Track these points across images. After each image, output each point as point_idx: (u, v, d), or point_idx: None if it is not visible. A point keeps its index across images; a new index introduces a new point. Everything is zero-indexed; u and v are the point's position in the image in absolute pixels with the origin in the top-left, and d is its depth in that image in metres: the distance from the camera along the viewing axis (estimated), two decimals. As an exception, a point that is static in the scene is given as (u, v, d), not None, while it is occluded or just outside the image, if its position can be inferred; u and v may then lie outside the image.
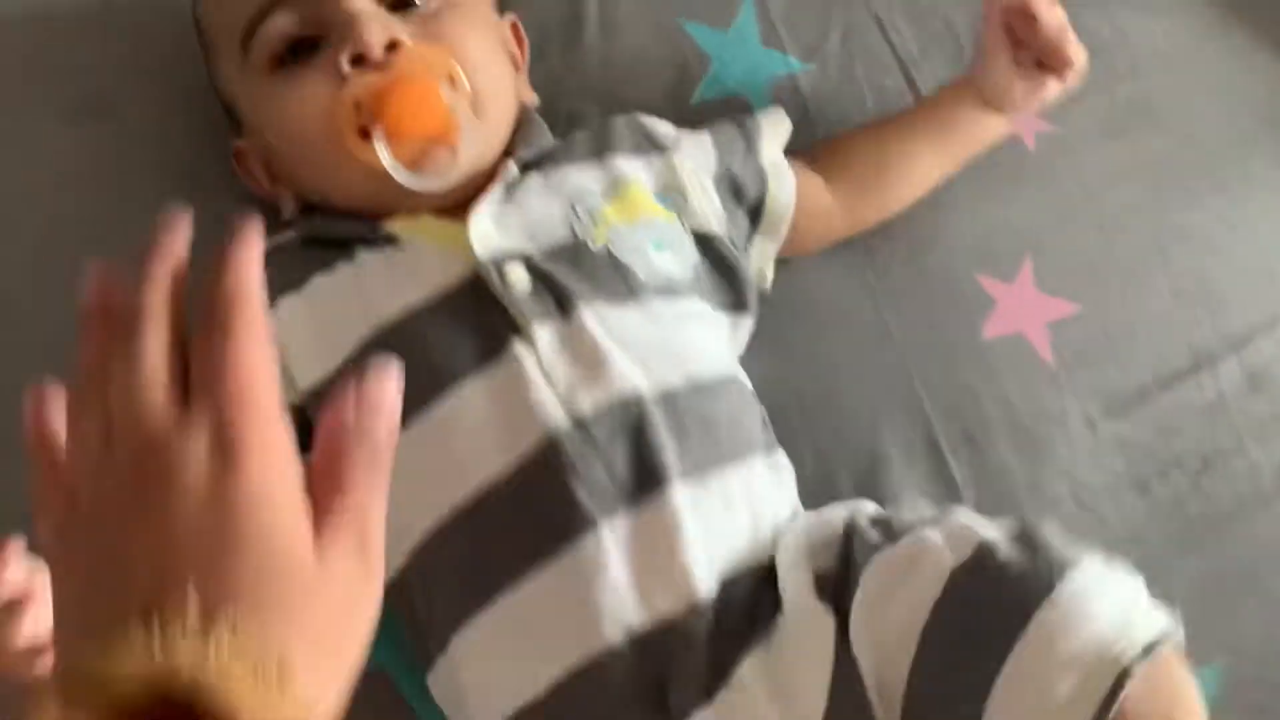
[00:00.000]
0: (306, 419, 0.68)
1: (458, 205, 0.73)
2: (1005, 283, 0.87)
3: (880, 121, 0.86)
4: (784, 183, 0.81)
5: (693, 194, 0.77)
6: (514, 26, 0.84)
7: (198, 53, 0.81)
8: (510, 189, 0.74)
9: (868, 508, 0.72)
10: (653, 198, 0.76)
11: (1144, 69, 0.93)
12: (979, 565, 0.61)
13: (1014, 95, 0.81)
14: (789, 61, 0.91)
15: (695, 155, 0.79)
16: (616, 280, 0.71)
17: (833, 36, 0.92)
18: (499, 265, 0.70)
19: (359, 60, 0.70)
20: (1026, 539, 0.61)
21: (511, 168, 0.74)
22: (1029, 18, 0.78)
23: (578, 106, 0.88)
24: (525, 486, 0.65)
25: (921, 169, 0.84)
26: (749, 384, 0.75)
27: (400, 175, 0.69)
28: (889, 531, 0.66)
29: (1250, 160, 0.92)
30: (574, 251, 0.71)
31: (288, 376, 0.70)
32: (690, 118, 0.87)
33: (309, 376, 0.70)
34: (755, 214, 0.81)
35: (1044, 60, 0.80)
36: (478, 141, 0.72)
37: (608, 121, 0.81)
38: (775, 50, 0.91)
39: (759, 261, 0.82)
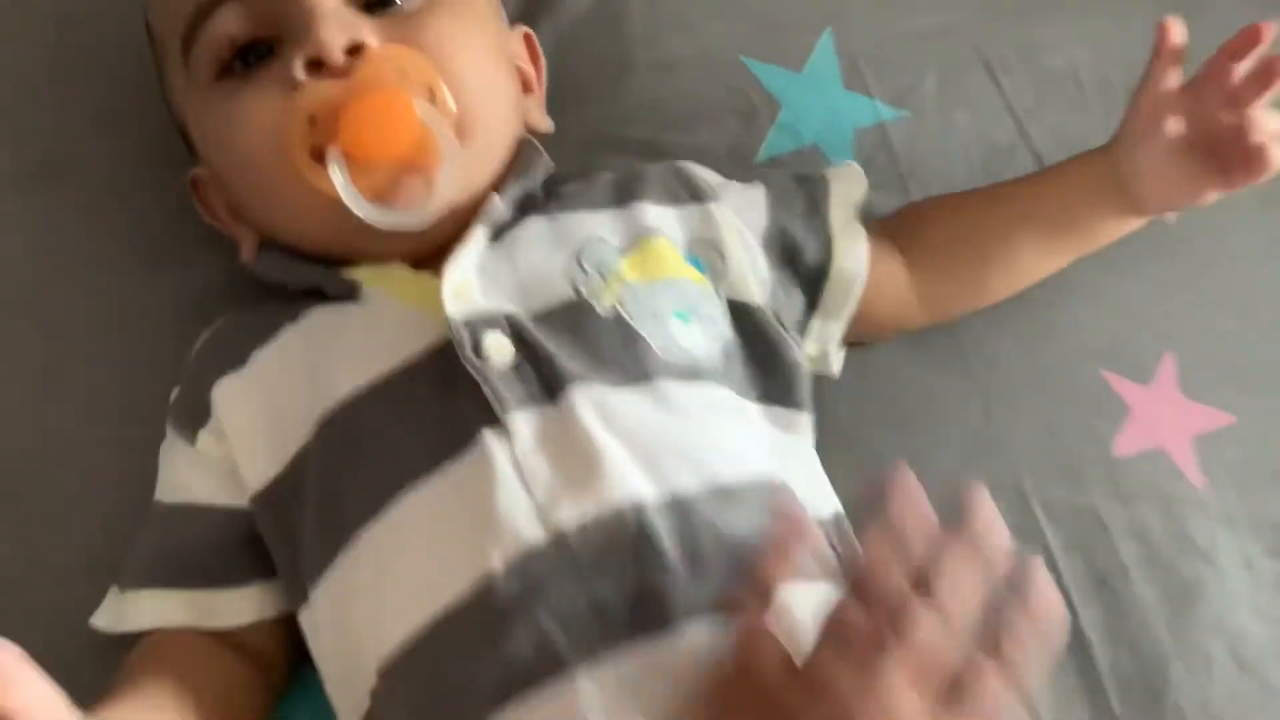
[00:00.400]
0: (253, 526, 0.59)
1: (439, 252, 0.59)
2: (1141, 384, 0.71)
3: (982, 193, 0.69)
4: (853, 251, 0.66)
5: (733, 254, 0.63)
6: (526, 37, 0.71)
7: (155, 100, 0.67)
8: (500, 233, 0.60)
9: None
10: (682, 256, 0.62)
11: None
12: None
13: (1165, 192, 0.65)
14: (876, 108, 0.76)
15: (741, 208, 0.65)
16: (625, 354, 0.57)
17: (929, 79, 0.77)
18: (475, 331, 0.55)
19: (316, 66, 0.57)
20: None
21: (498, 205, 0.60)
22: (1221, 88, 0.61)
23: (614, 159, 0.73)
24: (488, 620, 0.51)
25: (1026, 264, 0.68)
26: (799, 492, 0.59)
27: (358, 207, 0.56)
28: None
29: None
30: (574, 314, 0.57)
31: (238, 479, 0.58)
32: (756, 175, 0.73)
33: (260, 477, 0.58)
34: (814, 286, 0.66)
35: (1222, 151, 0.62)
36: (460, 172, 0.58)
37: (640, 167, 0.66)
38: (859, 94, 0.76)
39: (819, 344, 0.67)
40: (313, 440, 0.56)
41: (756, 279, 0.63)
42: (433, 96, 0.57)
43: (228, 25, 0.59)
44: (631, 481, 0.53)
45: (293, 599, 0.58)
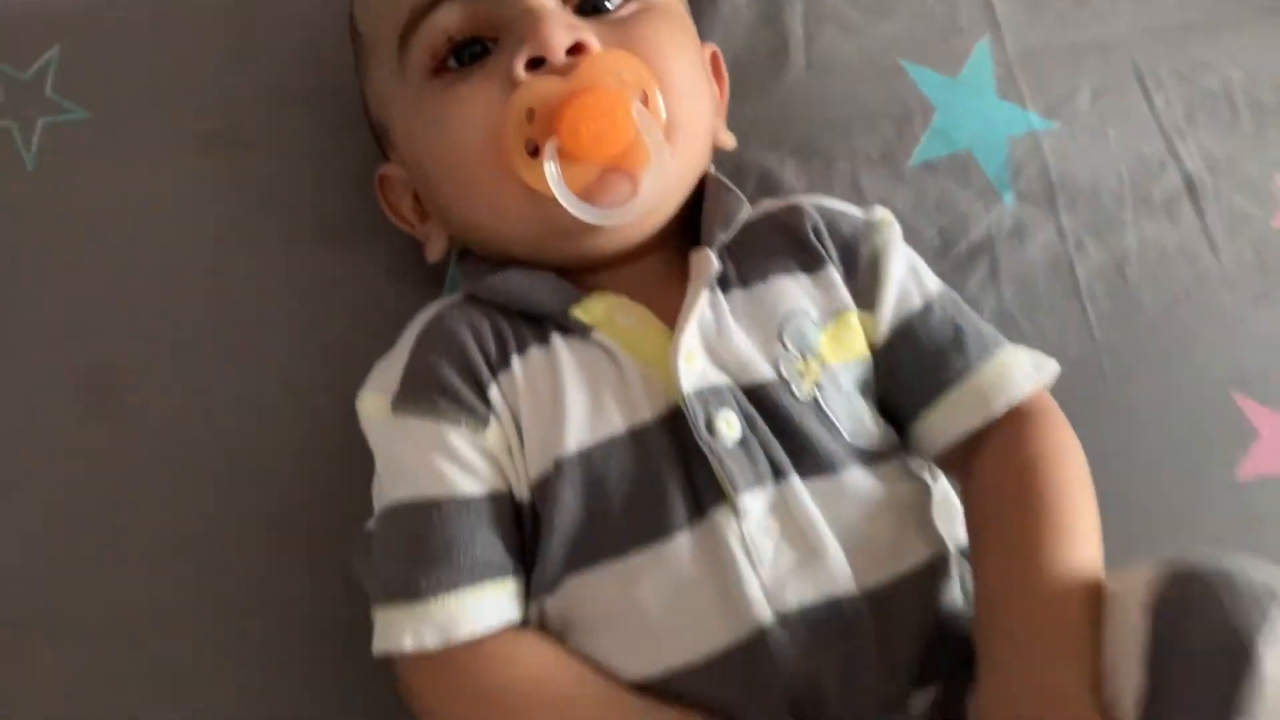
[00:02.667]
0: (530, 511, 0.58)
1: (636, 265, 0.62)
2: (1272, 409, 0.73)
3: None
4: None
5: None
6: (714, 56, 0.71)
7: (340, 84, 0.70)
8: (713, 293, 0.61)
9: None
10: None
11: None
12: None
13: None
14: (1029, 118, 0.77)
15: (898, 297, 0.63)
16: (825, 441, 0.57)
17: (1083, 92, 0.78)
18: (707, 406, 0.57)
19: (537, 64, 0.58)
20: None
21: (712, 261, 0.61)
22: None
23: (772, 161, 0.75)
24: (717, 685, 0.54)
25: None
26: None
27: (568, 202, 0.57)
28: None
29: None
30: (775, 395, 0.58)
31: (518, 467, 0.58)
32: (907, 178, 0.75)
33: (535, 470, 0.58)
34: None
35: None
36: (665, 177, 0.59)
37: (799, 209, 0.65)
38: (1013, 104, 0.77)
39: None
40: (551, 469, 0.57)
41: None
42: (646, 100, 0.58)
43: (447, 22, 0.60)
44: (845, 571, 0.55)
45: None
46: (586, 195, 0.58)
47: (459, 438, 0.57)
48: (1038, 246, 0.75)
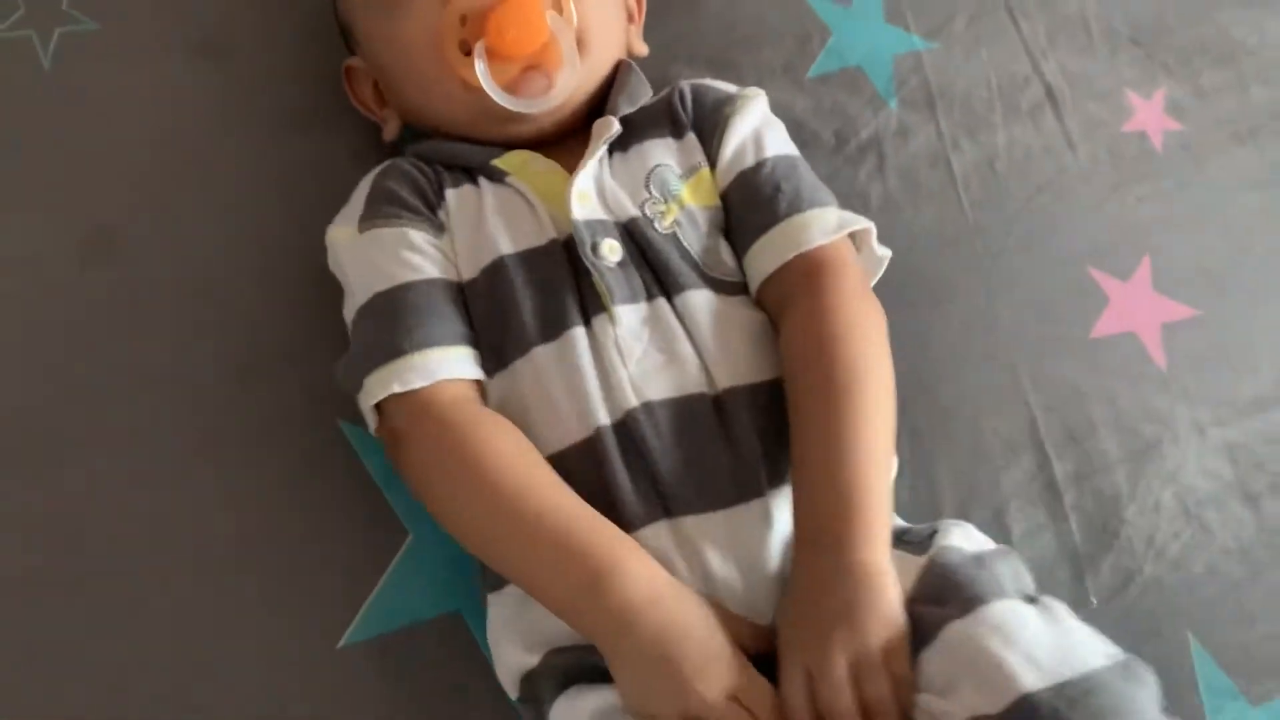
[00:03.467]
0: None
1: (556, 143, 0.73)
2: (1121, 280, 0.84)
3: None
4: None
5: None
6: None
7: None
8: (611, 149, 0.73)
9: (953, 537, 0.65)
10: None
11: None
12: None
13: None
14: (912, 39, 0.89)
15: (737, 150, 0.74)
16: (680, 266, 0.69)
17: (959, 18, 0.90)
18: (594, 234, 0.68)
19: None
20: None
21: (613, 124, 0.73)
22: None
23: (690, 71, 0.86)
24: (592, 464, 0.64)
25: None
26: None
27: (494, 92, 0.69)
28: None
29: (1389, 175, 0.89)
30: (642, 229, 0.70)
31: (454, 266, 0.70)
32: (806, 88, 0.86)
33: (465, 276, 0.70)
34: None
35: None
36: (576, 74, 0.71)
37: (683, 92, 0.76)
38: (898, 28, 0.90)
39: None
40: (477, 276, 0.69)
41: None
42: (560, 9, 0.70)
43: None
44: (698, 374, 0.66)
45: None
46: (510, 88, 0.70)
47: (420, 236, 0.69)
48: (919, 144, 0.86)
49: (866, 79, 0.88)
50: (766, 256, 0.70)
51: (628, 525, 0.63)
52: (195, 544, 0.72)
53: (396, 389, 0.65)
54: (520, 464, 0.64)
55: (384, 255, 0.69)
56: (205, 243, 0.79)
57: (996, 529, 0.76)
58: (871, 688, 0.57)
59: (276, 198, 0.81)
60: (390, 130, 0.79)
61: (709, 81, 0.78)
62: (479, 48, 0.69)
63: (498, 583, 0.67)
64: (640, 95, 0.76)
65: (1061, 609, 0.59)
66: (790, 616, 0.60)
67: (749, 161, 0.73)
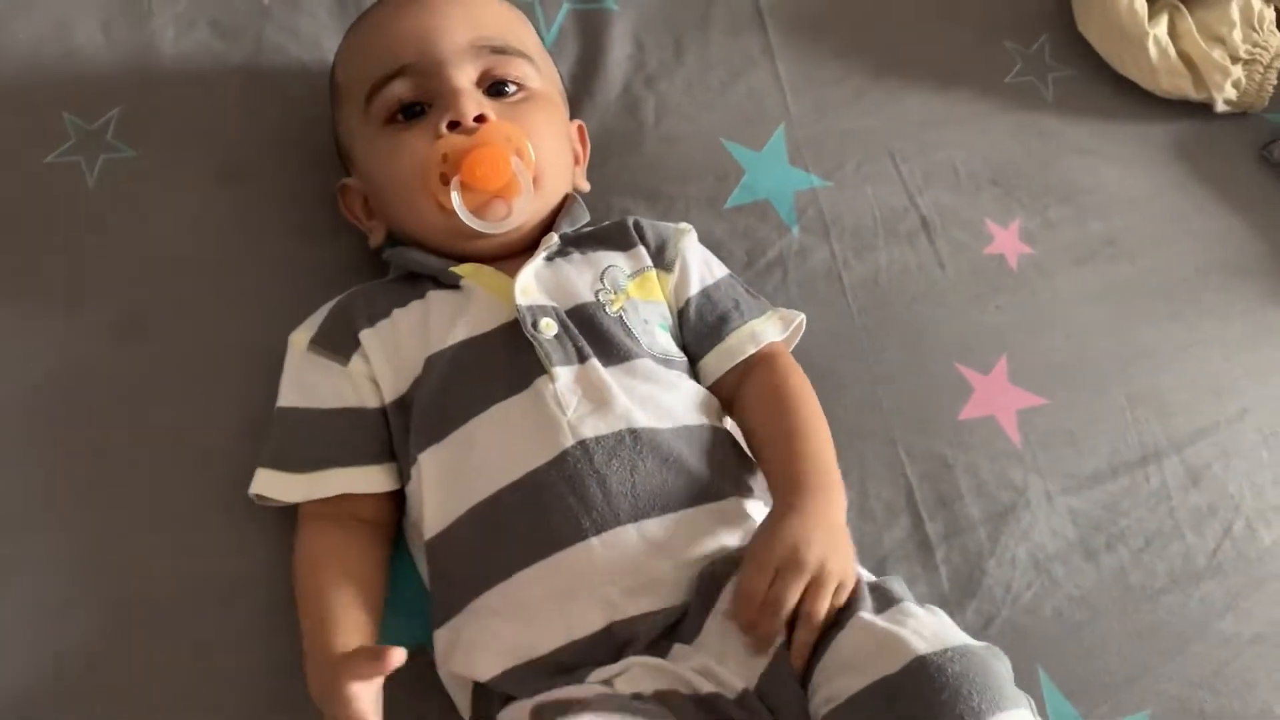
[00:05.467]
0: (386, 421, 0.86)
1: (510, 257, 0.90)
2: (983, 374, 1.01)
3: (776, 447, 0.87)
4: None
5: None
6: (580, 128, 1.02)
7: (319, 124, 1.00)
8: (551, 257, 0.90)
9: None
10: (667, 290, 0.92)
11: (1114, 209, 1.10)
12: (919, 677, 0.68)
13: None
14: (811, 178, 1.08)
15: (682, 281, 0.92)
16: (625, 342, 0.85)
17: (850, 162, 1.09)
18: (534, 315, 0.85)
19: (454, 125, 0.87)
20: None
21: (554, 239, 0.91)
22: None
23: (629, 202, 1.05)
24: (533, 493, 0.79)
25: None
26: (738, 436, 0.88)
27: (463, 215, 0.86)
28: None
29: (1202, 292, 1.07)
30: (593, 311, 0.86)
31: (376, 388, 0.86)
32: (724, 216, 1.05)
33: (392, 392, 0.86)
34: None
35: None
36: (530, 204, 0.88)
37: (636, 222, 0.94)
38: (799, 168, 1.08)
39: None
40: (421, 373, 0.84)
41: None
42: (521, 155, 0.87)
43: (400, 90, 0.89)
44: (628, 415, 0.82)
45: (402, 475, 0.85)
46: (477, 212, 0.87)
47: (348, 371, 0.86)
48: (816, 262, 1.04)
49: (773, 209, 1.06)
50: (729, 353, 0.89)
51: (583, 532, 0.78)
52: (208, 578, 0.87)
53: (285, 498, 0.85)
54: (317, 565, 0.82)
55: (312, 378, 0.87)
56: (216, 330, 0.95)
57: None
58: (815, 603, 0.74)
59: (283, 294, 0.96)
60: (375, 238, 0.95)
61: (645, 219, 0.96)
62: (455, 180, 0.86)
63: (439, 620, 0.82)
64: (580, 219, 0.94)
65: (939, 611, 0.76)
66: (774, 528, 0.78)
67: (710, 281, 0.92)
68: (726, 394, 0.89)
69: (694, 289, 0.91)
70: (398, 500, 0.87)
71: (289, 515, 0.87)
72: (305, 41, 1.08)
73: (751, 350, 0.89)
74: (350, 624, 0.78)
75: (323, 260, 0.99)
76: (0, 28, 1.04)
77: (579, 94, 1.09)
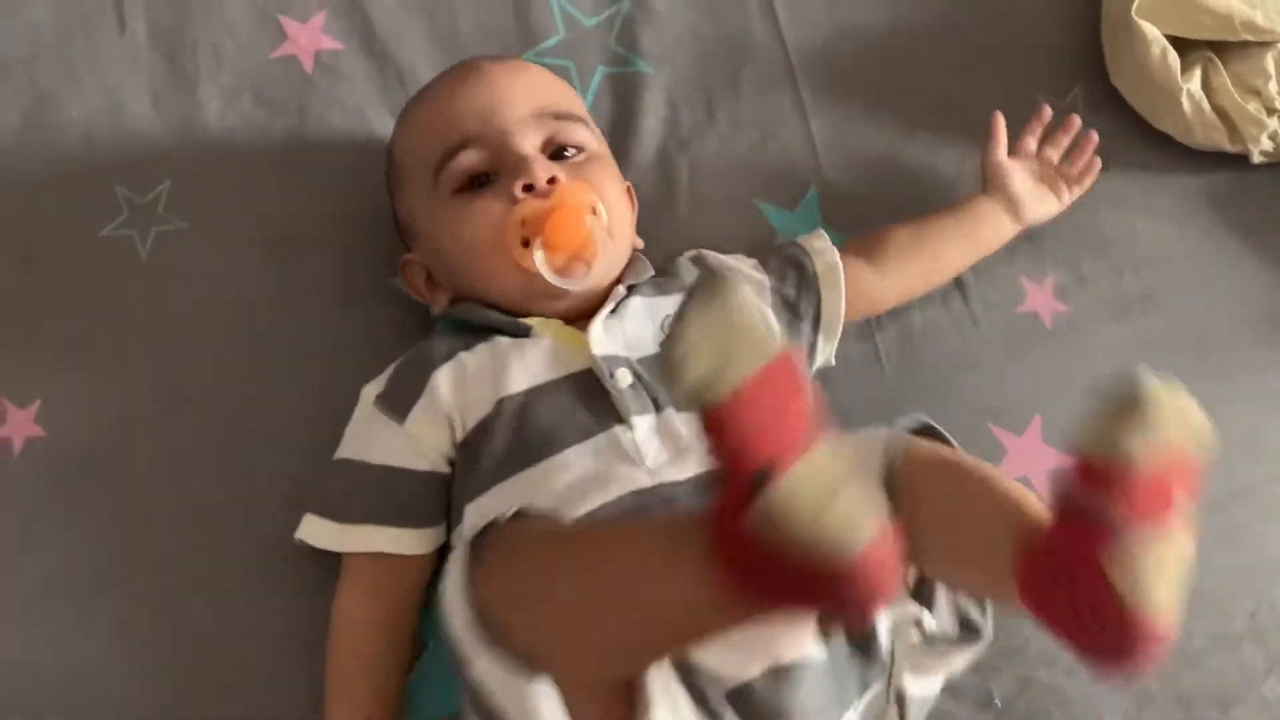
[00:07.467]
0: (435, 486, 0.89)
1: (578, 315, 0.93)
2: (1016, 434, 1.02)
3: (923, 219, 1.05)
4: (836, 291, 0.99)
5: None
6: (629, 189, 1.04)
7: (362, 192, 1.03)
8: (617, 308, 0.94)
9: None
10: None
11: (1148, 262, 1.10)
12: None
13: (1034, 208, 1.06)
14: (839, 239, 1.09)
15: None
16: None
17: (882, 221, 1.10)
18: (610, 365, 0.89)
19: (528, 189, 0.91)
20: None
21: (621, 290, 0.94)
22: (1027, 150, 1.07)
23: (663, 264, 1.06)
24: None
25: (954, 262, 1.06)
26: None
27: (550, 276, 0.89)
28: None
29: (1235, 347, 1.07)
30: (658, 361, 0.87)
31: (451, 431, 0.89)
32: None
33: (462, 432, 0.89)
34: (815, 320, 0.99)
35: (1050, 179, 1.07)
36: (608, 260, 0.92)
37: (677, 259, 1.00)
38: (831, 227, 1.09)
39: (823, 359, 0.99)
40: (491, 412, 0.87)
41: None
42: (595, 213, 0.91)
43: (469, 161, 0.92)
44: (703, 464, 0.81)
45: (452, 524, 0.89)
46: (559, 272, 0.90)
47: (392, 425, 0.89)
48: (849, 322, 1.03)
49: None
50: (827, 260, 1.00)
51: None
52: (247, 643, 0.90)
53: (331, 546, 0.89)
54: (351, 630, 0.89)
55: (375, 434, 0.90)
56: (262, 399, 0.99)
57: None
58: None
59: (326, 361, 1.00)
60: (439, 306, 0.98)
61: (705, 251, 1.01)
62: (538, 241, 0.89)
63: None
64: (644, 274, 0.97)
65: None
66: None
67: (758, 275, 0.99)
68: (862, 275, 1.00)
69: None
70: (438, 560, 0.89)
71: (334, 573, 0.90)
72: (348, 110, 1.11)
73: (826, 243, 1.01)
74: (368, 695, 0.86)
75: (365, 327, 1.02)
76: (56, 105, 1.08)
77: (614, 157, 1.11)
